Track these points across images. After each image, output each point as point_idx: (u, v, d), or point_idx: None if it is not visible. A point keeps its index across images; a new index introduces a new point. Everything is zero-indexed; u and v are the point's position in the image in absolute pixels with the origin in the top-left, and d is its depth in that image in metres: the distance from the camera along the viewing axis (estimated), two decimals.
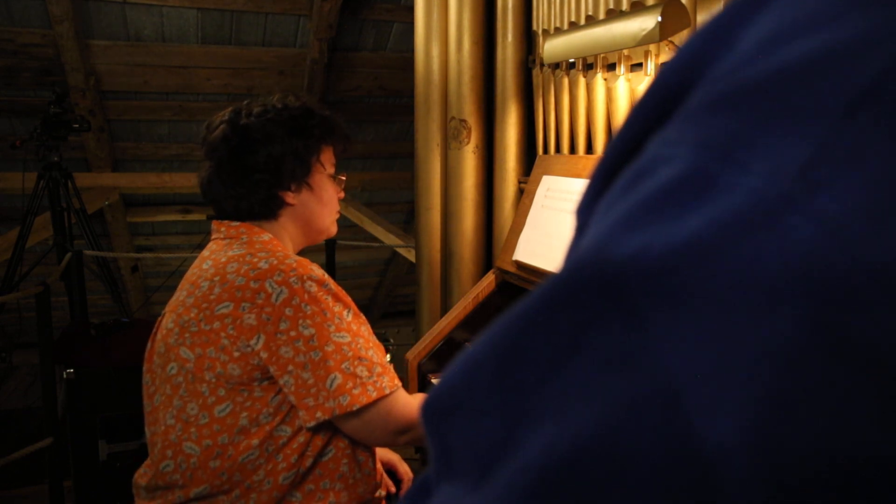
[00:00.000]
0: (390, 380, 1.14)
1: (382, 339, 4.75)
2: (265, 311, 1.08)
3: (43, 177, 3.85)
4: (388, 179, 5.61)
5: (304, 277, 1.11)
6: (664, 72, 0.24)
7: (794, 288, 0.17)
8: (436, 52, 1.94)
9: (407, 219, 5.98)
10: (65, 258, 3.20)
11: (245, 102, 1.29)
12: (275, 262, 1.13)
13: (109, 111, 4.49)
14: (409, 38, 4.52)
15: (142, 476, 1.22)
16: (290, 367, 1.08)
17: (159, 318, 1.26)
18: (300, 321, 1.08)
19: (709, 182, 0.19)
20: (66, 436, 2.39)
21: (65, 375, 2.32)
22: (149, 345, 1.26)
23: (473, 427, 0.22)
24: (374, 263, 6.23)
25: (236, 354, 1.09)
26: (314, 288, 1.11)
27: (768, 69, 0.20)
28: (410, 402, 1.16)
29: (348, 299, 1.17)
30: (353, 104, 5.06)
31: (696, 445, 0.17)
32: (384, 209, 5.73)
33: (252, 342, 1.08)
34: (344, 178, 1.36)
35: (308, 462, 1.14)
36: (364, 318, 1.20)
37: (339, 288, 1.17)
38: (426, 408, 0.25)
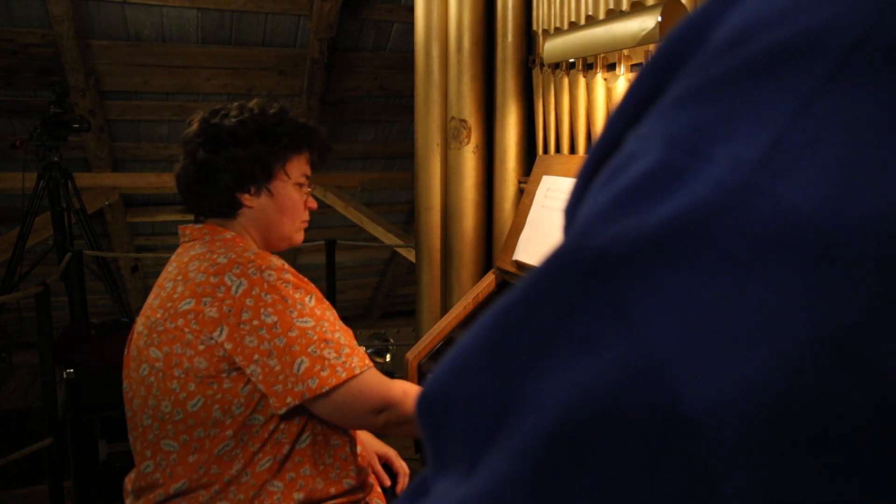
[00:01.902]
0: (360, 360, 1.15)
1: (382, 339, 4.75)
2: (226, 304, 1.10)
3: (43, 177, 3.85)
4: (388, 179, 5.62)
5: (263, 268, 1.12)
6: (642, 72, 0.25)
7: (760, 268, 0.18)
8: (436, 52, 1.94)
9: (407, 219, 5.98)
10: (65, 258, 3.20)
11: (230, 104, 1.31)
12: (233, 255, 1.15)
13: (109, 111, 4.50)
14: (409, 38, 4.52)
15: (129, 481, 1.23)
16: (256, 356, 1.09)
17: (133, 325, 1.27)
18: (262, 310, 1.09)
19: (676, 173, 0.20)
20: (66, 436, 2.40)
21: (65, 375, 2.33)
22: (125, 351, 1.27)
23: (464, 418, 0.23)
24: (374, 263, 6.23)
25: (201, 348, 1.10)
26: (273, 277, 1.12)
27: (733, 63, 0.21)
28: (384, 381, 1.17)
29: (310, 286, 1.18)
30: (353, 104, 5.06)
31: (682, 412, 0.18)
32: (384, 209, 5.73)
33: (215, 335, 1.09)
34: (312, 188, 1.37)
35: (285, 449, 1.15)
36: (329, 304, 1.21)
37: (300, 276, 1.19)
38: (420, 402, 0.25)
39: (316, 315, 1.14)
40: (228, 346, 1.09)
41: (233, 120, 1.26)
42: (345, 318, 1.27)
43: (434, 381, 0.25)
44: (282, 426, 1.14)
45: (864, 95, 0.18)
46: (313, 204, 1.37)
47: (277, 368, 1.09)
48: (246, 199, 1.26)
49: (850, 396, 0.17)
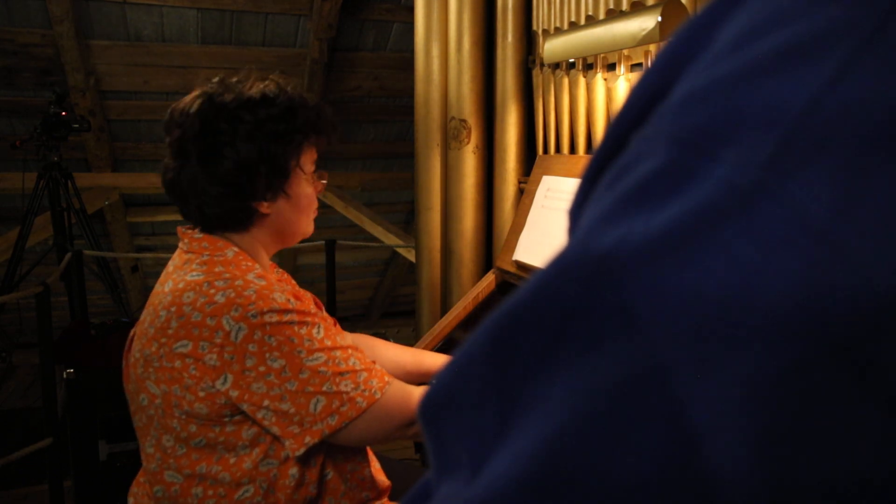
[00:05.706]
0: (379, 380, 1.08)
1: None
2: (226, 351, 1.01)
3: (43, 177, 3.85)
4: (388, 179, 5.61)
5: (264, 311, 1.02)
6: (646, 74, 0.25)
7: (766, 270, 0.18)
8: (436, 52, 1.94)
9: (407, 219, 5.98)
10: (65, 258, 3.19)
11: (222, 88, 1.12)
12: (232, 294, 1.04)
13: (109, 111, 4.50)
14: (409, 38, 4.52)
15: (144, 490, 1.18)
16: (266, 402, 1.02)
17: (131, 333, 1.17)
18: (267, 355, 1.01)
19: (683, 174, 0.20)
20: (66, 436, 2.40)
21: (65, 375, 2.33)
22: (123, 362, 1.19)
23: (468, 422, 0.23)
24: (374, 263, 6.23)
25: (202, 394, 1.03)
26: (275, 318, 1.03)
27: (739, 64, 0.21)
28: (407, 394, 1.11)
29: (316, 315, 1.09)
30: (353, 104, 5.06)
31: (686, 418, 0.18)
32: (384, 209, 5.73)
33: (218, 383, 1.02)
34: (325, 181, 1.25)
35: (312, 489, 1.10)
36: (338, 326, 1.15)
37: (305, 303, 1.10)
38: (423, 405, 0.25)
39: (327, 347, 1.06)
40: (234, 394, 1.02)
41: (234, 117, 1.09)
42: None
43: (437, 385, 0.25)
44: (301, 468, 1.09)
45: (873, 93, 0.18)
46: (321, 187, 1.24)
47: (292, 411, 1.02)
48: (263, 207, 1.13)
49: (852, 405, 0.17)
